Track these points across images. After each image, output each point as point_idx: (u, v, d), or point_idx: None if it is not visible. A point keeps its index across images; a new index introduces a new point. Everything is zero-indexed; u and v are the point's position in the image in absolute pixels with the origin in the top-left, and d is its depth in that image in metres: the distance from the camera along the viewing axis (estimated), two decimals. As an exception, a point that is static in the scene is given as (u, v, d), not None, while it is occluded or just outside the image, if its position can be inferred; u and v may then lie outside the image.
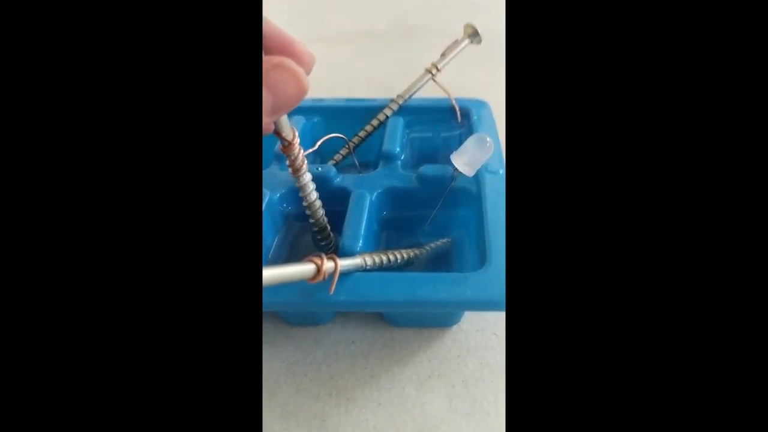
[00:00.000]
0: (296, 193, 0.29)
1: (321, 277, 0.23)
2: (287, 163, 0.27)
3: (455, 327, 0.31)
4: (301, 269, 0.22)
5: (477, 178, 0.32)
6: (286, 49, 0.20)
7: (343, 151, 0.38)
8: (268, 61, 0.18)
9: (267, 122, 0.20)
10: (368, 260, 0.26)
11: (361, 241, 0.28)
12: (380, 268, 0.27)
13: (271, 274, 0.20)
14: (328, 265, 0.23)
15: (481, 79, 0.56)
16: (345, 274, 0.25)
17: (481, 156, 0.30)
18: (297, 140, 0.26)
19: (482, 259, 0.27)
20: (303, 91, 0.19)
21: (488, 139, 0.30)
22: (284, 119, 0.24)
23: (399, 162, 0.35)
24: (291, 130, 0.25)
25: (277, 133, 0.24)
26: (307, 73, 0.20)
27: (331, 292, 0.24)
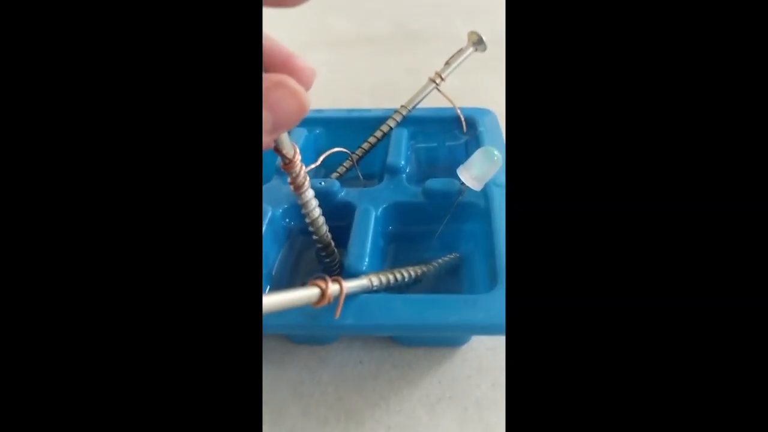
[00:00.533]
0: (299, 207, 0.28)
1: (326, 301, 0.22)
2: (288, 180, 0.26)
3: (465, 346, 0.30)
4: (305, 294, 0.21)
5: (485, 191, 0.31)
6: (285, 66, 0.19)
7: (347, 164, 0.37)
8: (267, 79, 0.17)
9: (267, 141, 0.20)
10: (375, 281, 0.25)
11: (367, 260, 0.27)
12: (387, 287, 0.26)
13: (273, 300, 0.20)
14: (333, 288, 0.22)
15: (486, 85, 0.56)
16: (351, 296, 0.24)
17: (489, 170, 0.29)
18: (298, 157, 0.25)
19: (492, 277, 0.26)
20: (304, 109, 0.18)
21: (496, 152, 0.29)
22: (285, 136, 0.23)
23: (404, 175, 0.35)
24: (292, 146, 0.24)
25: (278, 150, 0.24)
26: (307, 88, 0.19)
27: (337, 317, 0.23)
